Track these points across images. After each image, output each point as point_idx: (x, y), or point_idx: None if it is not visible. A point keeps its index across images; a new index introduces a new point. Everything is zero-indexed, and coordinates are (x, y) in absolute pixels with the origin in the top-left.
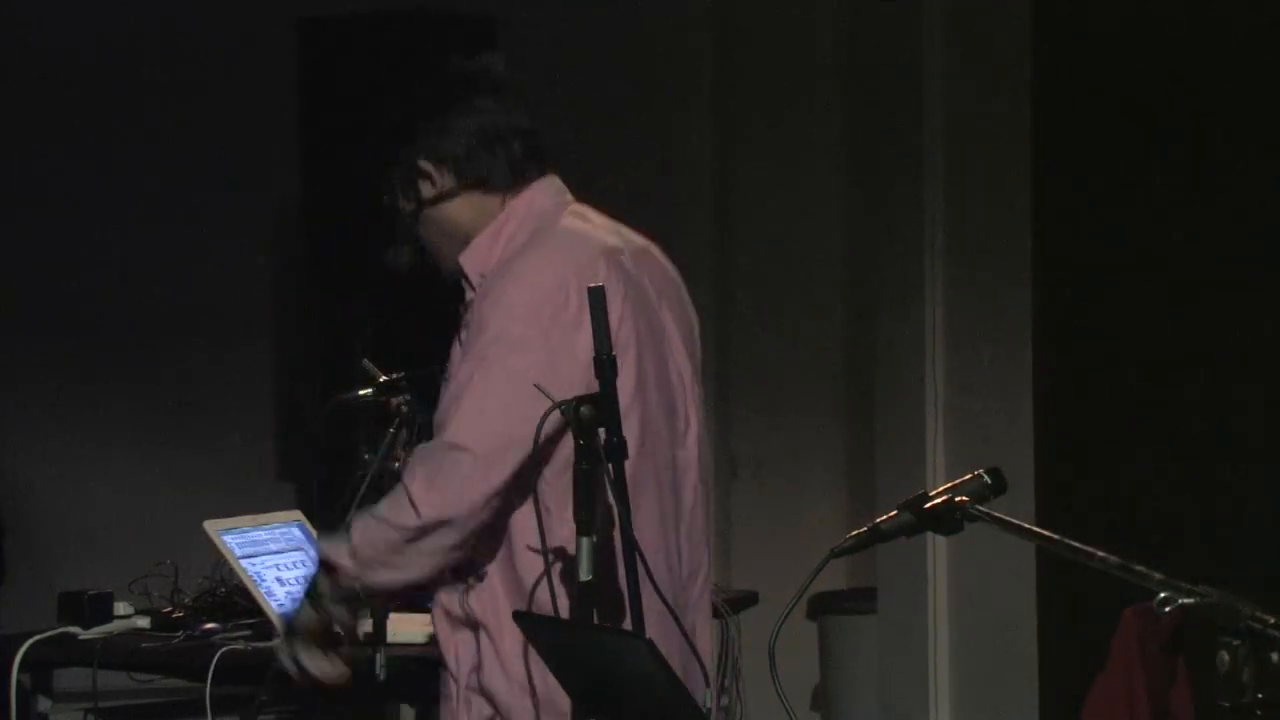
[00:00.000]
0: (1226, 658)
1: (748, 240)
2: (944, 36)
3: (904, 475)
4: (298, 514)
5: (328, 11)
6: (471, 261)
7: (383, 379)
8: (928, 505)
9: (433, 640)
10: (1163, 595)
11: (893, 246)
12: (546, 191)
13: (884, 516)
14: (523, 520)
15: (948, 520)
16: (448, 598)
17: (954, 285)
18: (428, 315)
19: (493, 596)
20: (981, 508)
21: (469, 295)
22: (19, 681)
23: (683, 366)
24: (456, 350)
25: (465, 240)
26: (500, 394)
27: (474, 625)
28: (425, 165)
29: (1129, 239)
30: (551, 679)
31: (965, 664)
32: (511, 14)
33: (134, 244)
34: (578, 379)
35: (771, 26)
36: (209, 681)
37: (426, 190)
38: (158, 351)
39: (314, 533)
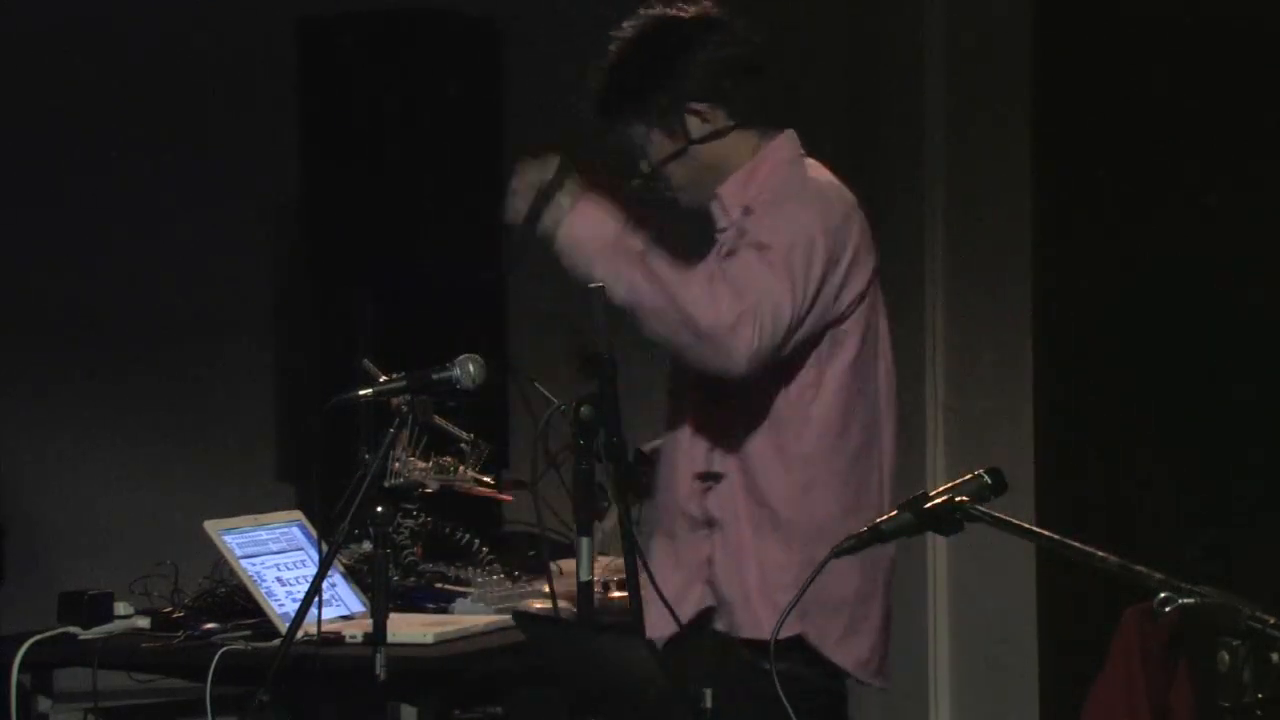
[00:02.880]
0: (1226, 658)
1: None
2: (944, 37)
3: (904, 475)
4: (298, 514)
5: (328, 11)
6: (731, 194)
7: (383, 379)
8: (928, 505)
9: (437, 641)
10: (1163, 595)
11: (893, 247)
12: (792, 141)
13: (884, 517)
14: (759, 424)
15: (948, 520)
16: (686, 500)
17: (954, 285)
18: (428, 315)
19: (730, 497)
20: (981, 508)
21: (722, 223)
22: (19, 681)
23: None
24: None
25: (722, 174)
26: None
27: (710, 523)
28: (698, 105)
29: (1129, 239)
30: (773, 577)
31: (965, 664)
32: (512, 14)
33: (134, 244)
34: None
35: (771, 28)
36: (209, 681)
37: (696, 128)
38: (158, 351)
39: (314, 532)
